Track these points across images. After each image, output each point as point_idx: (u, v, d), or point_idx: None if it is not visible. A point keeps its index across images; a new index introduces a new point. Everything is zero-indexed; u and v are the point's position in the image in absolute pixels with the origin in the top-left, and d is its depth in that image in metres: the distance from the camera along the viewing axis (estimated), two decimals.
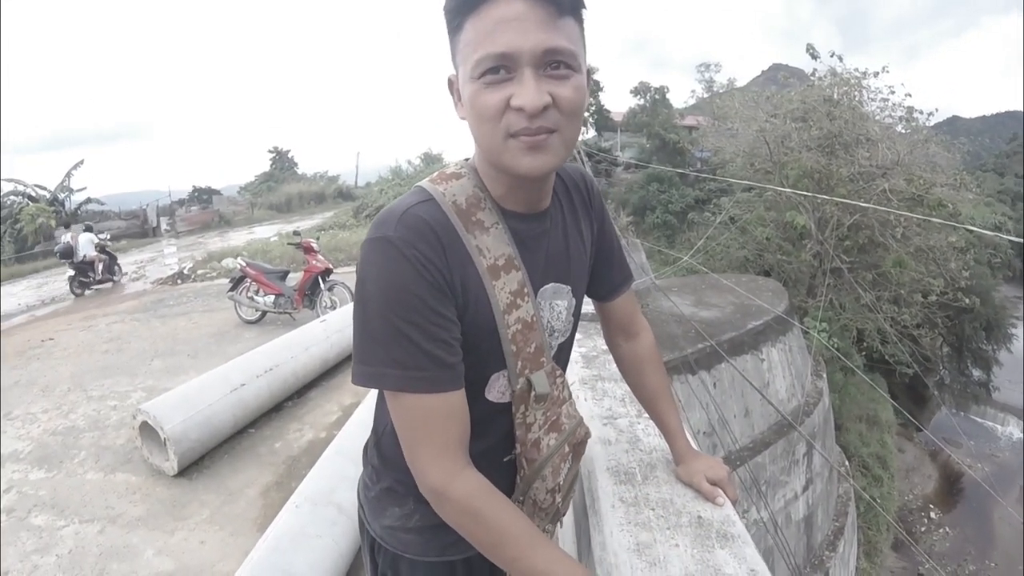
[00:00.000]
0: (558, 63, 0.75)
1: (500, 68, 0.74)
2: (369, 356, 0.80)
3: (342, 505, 2.76)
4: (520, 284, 0.88)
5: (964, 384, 22.90)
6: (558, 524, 1.16)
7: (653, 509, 1.22)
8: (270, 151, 37.15)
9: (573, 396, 1.11)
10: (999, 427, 26.01)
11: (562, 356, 1.06)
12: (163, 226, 23.58)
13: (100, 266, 12.18)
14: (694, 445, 1.40)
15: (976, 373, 23.77)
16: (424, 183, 0.89)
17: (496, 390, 0.92)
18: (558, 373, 1.01)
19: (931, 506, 20.09)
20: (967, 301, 14.88)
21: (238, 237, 19.82)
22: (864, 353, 13.44)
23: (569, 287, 1.00)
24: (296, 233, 8.61)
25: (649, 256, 11.36)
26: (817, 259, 12.59)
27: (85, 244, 11.98)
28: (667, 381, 1.32)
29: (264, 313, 7.53)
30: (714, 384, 8.87)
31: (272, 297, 7.38)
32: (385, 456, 1.03)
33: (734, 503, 1.26)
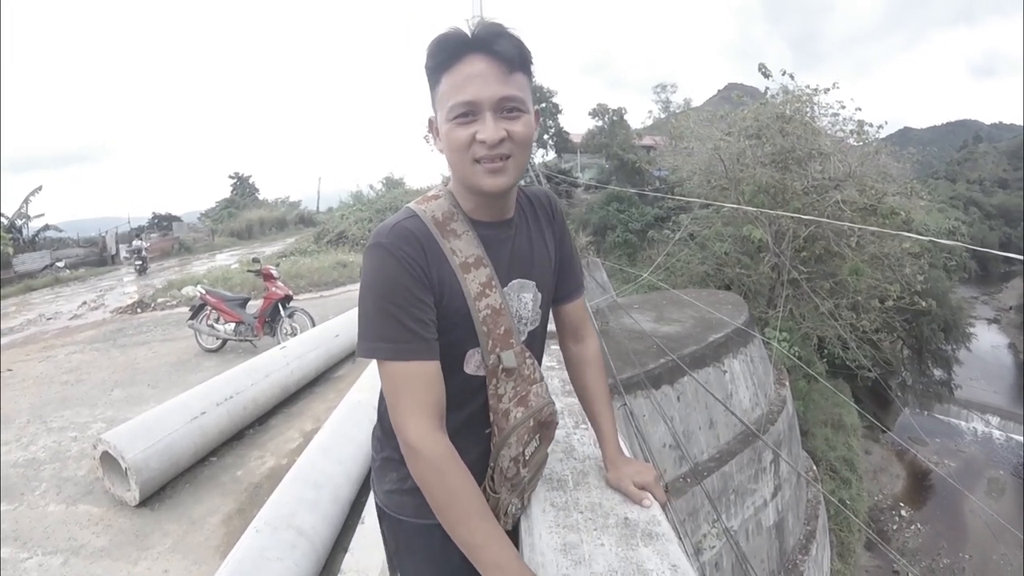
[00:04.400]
0: (512, 107, 1.01)
1: (468, 112, 1.00)
2: (366, 333, 1.04)
3: (302, 528, 2.81)
4: (488, 278, 1.11)
5: (926, 384, 23.56)
6: (524, 500, 1.28)
7: (582, 512, 1.29)
8: (231, 176, 36.75)
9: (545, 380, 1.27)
10: (963, 424, 26.80)
11: (534, 343, 1.24)
12: (123, 254, 23.14)
13: None
14: (626, 451, 1.52)
15: (937, 373, 24.49)
16: (411, 204, 1.14)
17: (472, 364, 1.13)
18: (527, 355, 1.19)
19: (901, 504, 20.47)
20: (924, 304, 15.44)
21: (199, 264, 19.67)
22: (826, 360, 13.82)
23: (533, 282, 1.21)
24: (255, 260, 8.62)
25: (610, 275, 11.60)
26: (775, 271, 12.99)
27: None
28: (606, 386, 1.45)
29: (225, 341, 7.52)
30: (678, 397, 9.05)
31: (232, 325, 7.39)
32: (386, 429, 1.22)
33: (662, 506, 1.35)
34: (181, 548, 3.41)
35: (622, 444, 1.53)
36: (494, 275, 1.11)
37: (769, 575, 11.33)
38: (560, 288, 1.33)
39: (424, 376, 1.01)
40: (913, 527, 19.59)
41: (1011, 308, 41.34)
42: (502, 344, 1.13)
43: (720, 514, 9.48)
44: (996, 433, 26.80)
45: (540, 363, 1.27)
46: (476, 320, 1.09)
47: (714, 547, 9.31)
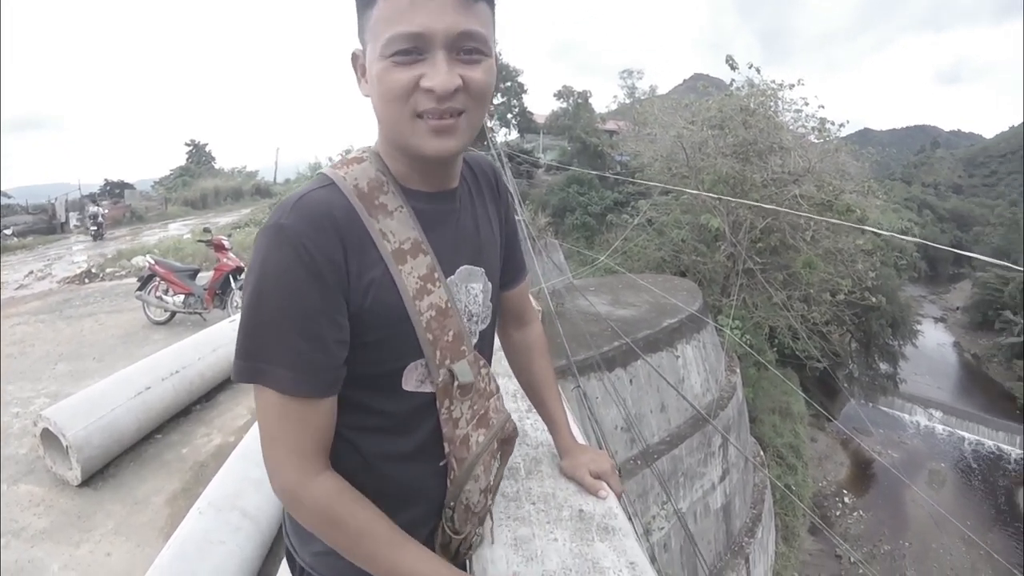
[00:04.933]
0: (471, 48, 0.76)
1: (412, 48, 0.74)
2: (246, 348, 0.77)
3: (246, 510, 2.73)
4: (429, 268, 0.85)
5: (872, 377, 24.47)
6: (485, 524, 1.09)
7: (534, 503, 1.22)
8: (187, 144, 35.55)
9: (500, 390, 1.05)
10: (907, 416, 27.96)
11: (485, 345, 1.00)
12: (72, 221, 22.28)
13: None
14: (579, 438, 1.41)
15: (883, 367, 25.46)
16: (326, 169, 0.87)
17: (414, 379, 0.87)
18: (482, 363, 0.96)
19: (844, 491, 21.25)
20: (874, 300, 15.94)
21: (151, 234, 19.09)
22: (776, 349, 14.20)
23: (482, 269, 0.96)
24: (207, 230, 8.40)
25: (568, 256, 11.67)
26: (731, 260, 13.24)
27: None
28: (553, 371, 1.31)
29: (173, 313, 7.32)
30: (631, 381, 9.15)
31: (182, 296, 7.19)
32: None
33: (618, 496, 1.27)
34: (124, 530, 3.30)
35: (575, 429, 1.43)
36: (436, 264, 0.87)
37: (716, 556, 11.63)
38: (505, 273, 1.11)
39: (312, 418, 0.79)
40: (856, 513, 20.37)
41: (958, 309, 43.09)
42: (452, 354, 0.89)
43: (670, 496, 9.67)
44: (939, 427, 28.04)
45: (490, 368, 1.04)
46: (417, 325, 0.84)
47: (663, 528, 9.50)
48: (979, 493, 23.81)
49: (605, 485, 1.24)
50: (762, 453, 13.05)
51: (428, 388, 0.89)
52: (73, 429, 3.61)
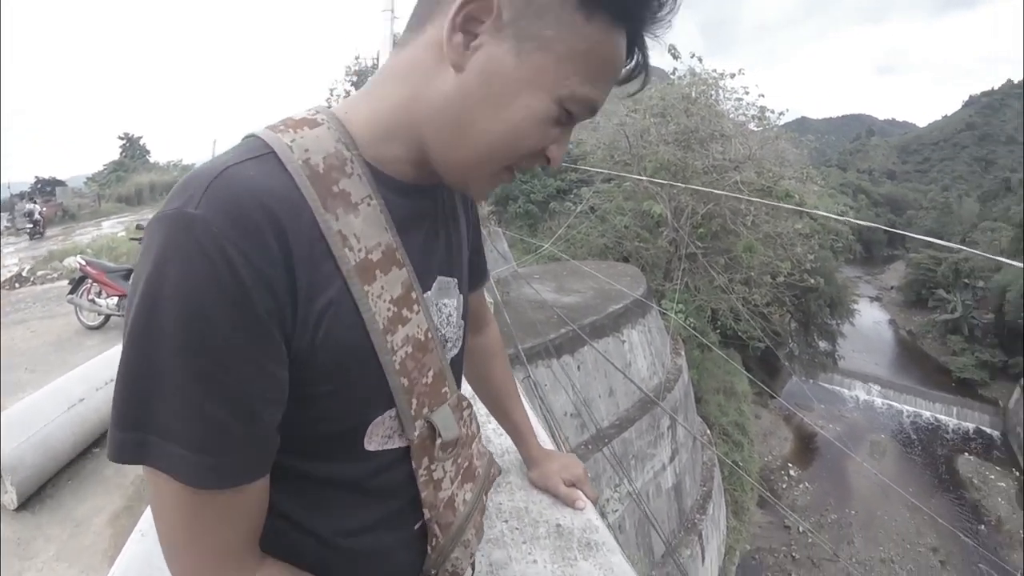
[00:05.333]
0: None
1: (578, 115, 0.61)
2: (122, 413, 0.52)
3: None
4: (406, 288, 0.63)
5: (812, 355, 25.56)
6: None
7: (507, 521, 1.12)
8: (120, 137, 33.95)
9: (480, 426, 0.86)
10: (846, 391, 29.35)
11: (456, 372, 0.79)
12: (3, 223, 21.11)
13: None
14: (548, 443, 1.33)
15: (823, 345, 26.64)
16: (261, 131, 0.59)
17: (379, 435, 0.66)
18: (464, 404, 0.76)
19: (790, 465, 22.17)
20: (812, 281, 16.61)
21: (84, 233, 18.28)
22: (719, 331, 14.64)
23: (455, 279, 0.76)
24: (139, 227, 8.09)
25: (511, 245, 11.72)
26: (673, 245, 13.56)
27: None
28: (513, 377, 1.18)
29: (108, 317, 7.04)
30: (578, 367, 9.27)
31: (116, 299, 6.90)
32: None
33: (594, 503, 1.20)
34: (67, 555, 3.16)
35: (541, 434, 1.35)
36: (414, 281, 0.65)
37: (670, 534, 11.95)
38: (471, 277, 0.93)
39: (233, 510, 0.56)
40: (802, 486, 21.28)
41: (892, 288, 45.39)
42: (431, 400, 0.69)
43: (623, 478, 9.88)
44: (877, 400, 29.54)
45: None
46: (388, 368, 0.62)
47: (617, 511, 9.69)
48: (920, 462, 25.19)
49: (581, 494, 1.15)
50: (709, 432, 13.47)
51: (397, 443, 0.67)
52: (5, 449, 3.43)
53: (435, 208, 0.73)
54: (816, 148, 21.74)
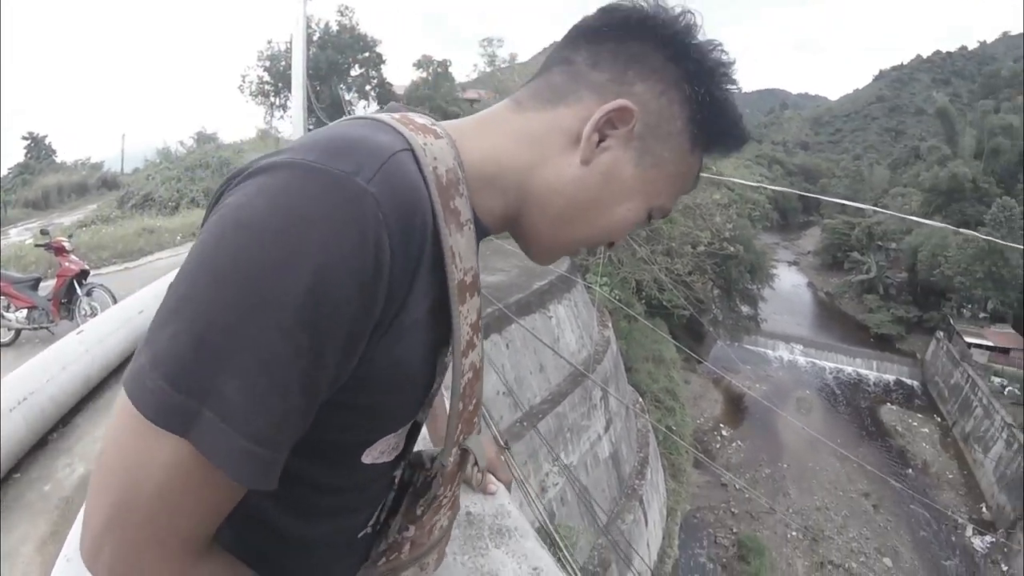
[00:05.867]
0: None
1: (660, 216, 0.69)
2: (181, 368, 0.43)
3: None
4: (478, 315, 0.62)
5: (735, 319, 26.79)
6: None
7: None
8: (24, 138, 32.12)
9: None
10: (770, 352, 30.97)
11: None
12: None
13: None
14: None
15: (745, 309, 27.96)
16: (392, 121, 0.56)
17: (376, 452, 0.64)
18: (478, 430, 0.75)
19: (722, 426, 23.23)
20: (732, 249, 17.42)
21: None
22: (644, 301, 15.18)
23: None
24: (44, 232, 7.53)
25: None
26: None
27: None
28: None
29: (19, 332, 6.59)
30: (507, 345, 9.35)
31: (24, 311, 6.46)
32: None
33: (507, 486, 1.16)
34: None
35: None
36: (482, 309, 0.65)
37: (612, 502, 12.32)
38: None
39: (225, 499, 0.50)
40: (734, 444, 22.37)
41: (809, 252, 48.14)
42: (467, 426, 0.69)
43: (559, 453, 10.07)
44: (801, 359, 31.32)
45: None
46: (456, 391, 0.63)
47: (557, 484, 9.87)
48: (845, 414, 26.86)
49: (492, 478, 1.10)
50: (641, 400, 13.93)
51: (386, 459, 0.66)
52: None
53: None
54: None
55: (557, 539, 6.79)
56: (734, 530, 17.83)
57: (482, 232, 0.63)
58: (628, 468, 13.05)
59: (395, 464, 0.70)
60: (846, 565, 17.58)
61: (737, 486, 18.24)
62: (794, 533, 18.38)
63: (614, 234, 0.65)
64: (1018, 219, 24.37)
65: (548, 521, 8.46)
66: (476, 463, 0.71)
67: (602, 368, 11.39)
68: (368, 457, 0.63)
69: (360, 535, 0.72)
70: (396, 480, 0.74)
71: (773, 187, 25.37)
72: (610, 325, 12.03)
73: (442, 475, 0.69)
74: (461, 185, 0.57)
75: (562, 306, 10.60)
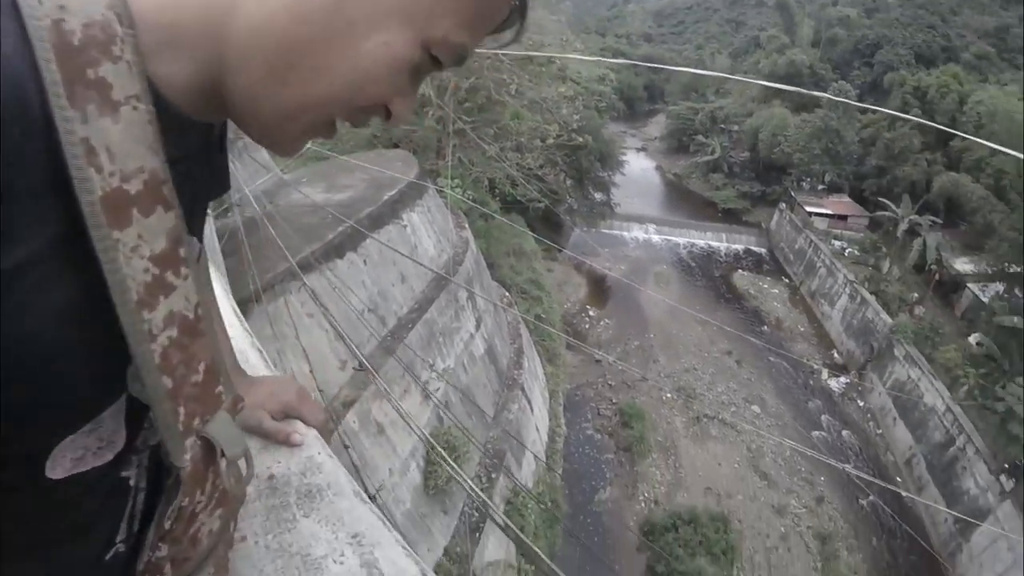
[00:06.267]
0: None
1: (439, 62, 0.47)
2: None
3: None
4: (173, 241, 0.44)
5: (590, 206, 28.20)
6: None
7: None
8: None
9: None
10: (626, 234, 33.15)
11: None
12: None
13: None
14: (260, 370, 1.10)
15: (598, 196, 29.47)
16: None
17: (67, 460, 0.45)
18: (240, 406, 0.60)
19: (588, 307, 24.88)
20: (580, 140, 17.81)
21: None
22: (499, 198, 15.47)
23: (200, 244, 0.60)
24: None
25: (273, 153, 10.97)
26: (440, 123, 13.57)
27: None
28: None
29: None
30: (365, 261, 9.06)
31: None
32: None
33: (321, 428, 0.97)
34: None
35: (252, 358, 1.11)
36: (183, 234, 0.45)
37: (495, 395, 12.91)
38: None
39: None
40: (602, 323, 24.12)
41: (656, 138, 50.70)
42: (204, 404, 0.52)
43: (434, 358, 10.24)
44: (655, 238, 33.78)
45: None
46: (146, 362, 0.44)
47: (439, 389, 10.07)
48: (701, 283, 29.60)
49: (297, 425, 0.91)
50: (507, 294, 14.49)
51: (96, 462, 0.47)
52: None
53: (209, 144, 0.55)
54: (574, 16, 22.59)
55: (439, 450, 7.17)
56: (613, 401, 19.40)
57: (176, 115, 0.44)
58: (505, 361, 13.65)
59: (120, 463, 0.50)
60: (719, 417, 19.56)
61: (610, 360, 19.67)
62: (669, 395, 20.18)
63: (368, 87, 0.45)
64: (853, 101, 27.45)
65: (430, 437, 8.75)
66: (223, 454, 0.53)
67: (464, 269, 11.53)
68: (57, 470, 0.44)
69: (109, 556, 0.54)
70: (133, 481, 0.53)
71: (634, 62, 25.86)
72: (467, 226, 12.13)
73: (182, 479, 0.51)
74: (117, 45, 0.38)
75: (416, 213, 10.46)
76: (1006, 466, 15.94)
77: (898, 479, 19.55)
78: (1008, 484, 15.79)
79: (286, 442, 0.89)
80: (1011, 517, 15.49)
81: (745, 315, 27.28)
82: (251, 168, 9.10)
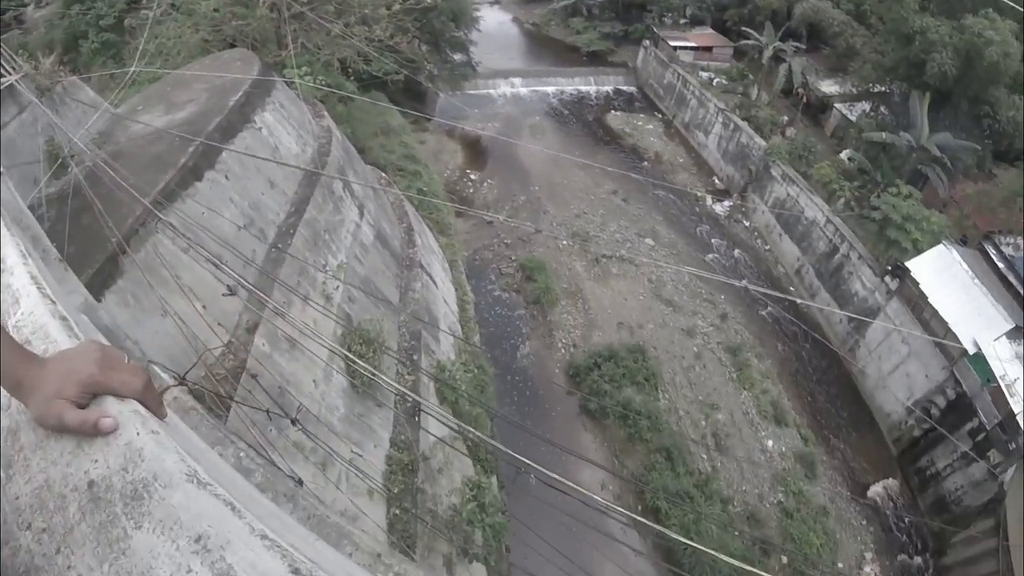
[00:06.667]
0: None
1: None
2: None
3: None
4: None
5: (451, 69, 27.34)
6: None
7: (24, 515, 0.73)
8: None
9: None
10: (493, 91, 32.64)
11: None
12: None
13: None
14: (63, 339, 0.95)
15: (458, 57, 28.46)
16: None
17: None
18: None
19: (468, 171, 25.08)
20: (428, 1, 16.87)
21: None
22: (353, 78, 14.81)
23: None
24: None
25: (103, 88, 9.78)
26: (274, 11, 12.53)
27: None
28: None
29: None
30: (226, 176, 8.68)
31: None
32: None
33: (144, 396, 0.83)
34: None
35: (54, 328, 0.97)
36: None
37: (396, 277, 13.25)
38: None
39: None
40: (486, 184, 24.47)
41: None
42: None
43: (324, 257, 10.17)
44: (523, 91, 33.45)
45: None
46: None
47: (338, 287, 10.09)
48: (576, 129, 30.11)
49: (107, 404, 0.77)
50: (384, 174, 14.44)
51: None
52: None
53: None
54: None
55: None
56: (513, 258, 20.25)
57: None
58: (397, 242, 13.86)
59: None
60: (617, 255, 20.79)
61: (501, 220, 20.37)
62: (565, 242, 21.18)
63: None
64: None
65: (341, 346, 8.65)
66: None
67: (333, 159, 11.29)
68: None
69: None
70: None
71: None
72: (326, 114, 11.74)
73: None
74: None
75: (268, 113, 10.05)
76: (888, 268, 17.98)
77: (791, 289, 21.86)
78: (893, 284, 17.94)
79: (95, 432, 0.74)
80: (900, 313, 17.79)
81: (624, 154, 28.42)
82: (77, 112, 8.20)
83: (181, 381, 2.19)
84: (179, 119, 8.96)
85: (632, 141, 29.51)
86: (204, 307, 6.25)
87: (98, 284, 5.89)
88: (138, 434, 0.75)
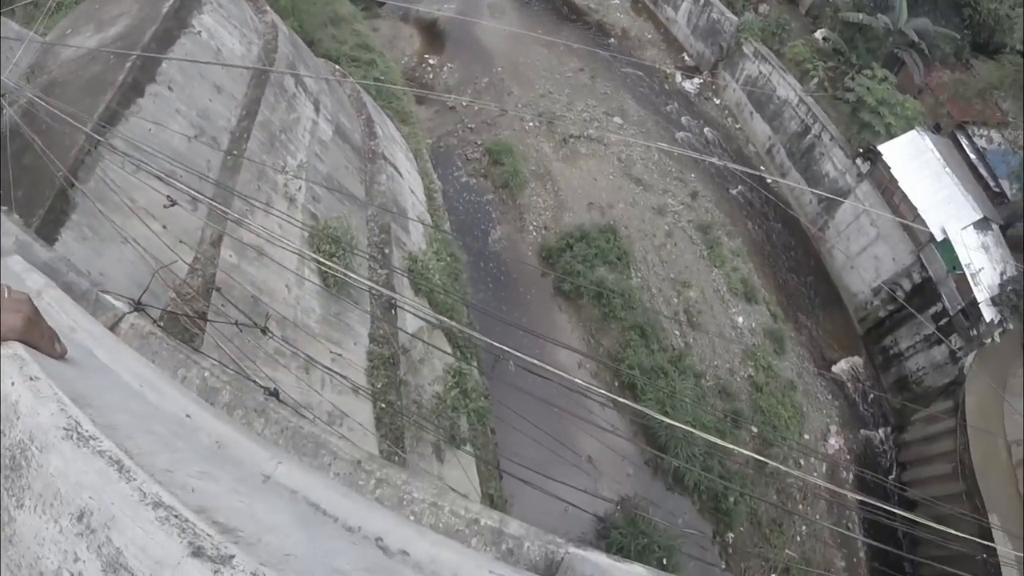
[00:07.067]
0: None
1: None
2: None
3: None
4: None
5: None
6: None
7: None
8: None
9: None
10: None
11: None
12: None
13: None
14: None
15: None
16: None
17: None
18: None
19: (426, 56, 23.73)
20: None
21: None
22: None
23: None
24: None
25: (28, 22, 9.03)
26: None
27: None
28: None
29: None
30: (170, 87, 8.45)
31: None
32: None
33: (27, 332, 0.74)
34: None
35: None
36: None
37: (360, 171, 13.21)
38: None
39: None
40: (446, 68, 23.33)
41: None
42: None
43: (283, 158, 10.09)
44: None
45: None
46: None
47: (300, 187, 10.05)
48: (537, 6, 27.96)
49: None
50: (337, 66, 13.86)
51: None
52: None
53: None
54: None
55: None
56: (478, 143, 19.75)
57: None
58: (358, 136, 13.64)
59: None
60: (585, 134, 20.34)
61: (464, 103, 19.71)
62: (531, 123, 20.59)
63: None
64: None
65: (309, 248, 8.74)
66: None
67: (281, 55, 10.89)
68: None
69: None
70: None
71: None
72: (268, 8, 11.12)
73: None
74: None
75: (206, 15, 9.54)
76: (860, 151, 17.94)
77: (761, 167, 21.73)
78: (864, 167, 17.99)
79: None
80: (870, 195, 17.92)
81: (590, 30, 26.95)
82: (3, 49, 7.74)
83: (136, 306, 2.20)
84: (112, 35, 8.50)
85: (598, 17, 27.85)
86: (165, 227, 6.24)
87: (51, 222, 5.95)
88: (13, 384, 0.61)
